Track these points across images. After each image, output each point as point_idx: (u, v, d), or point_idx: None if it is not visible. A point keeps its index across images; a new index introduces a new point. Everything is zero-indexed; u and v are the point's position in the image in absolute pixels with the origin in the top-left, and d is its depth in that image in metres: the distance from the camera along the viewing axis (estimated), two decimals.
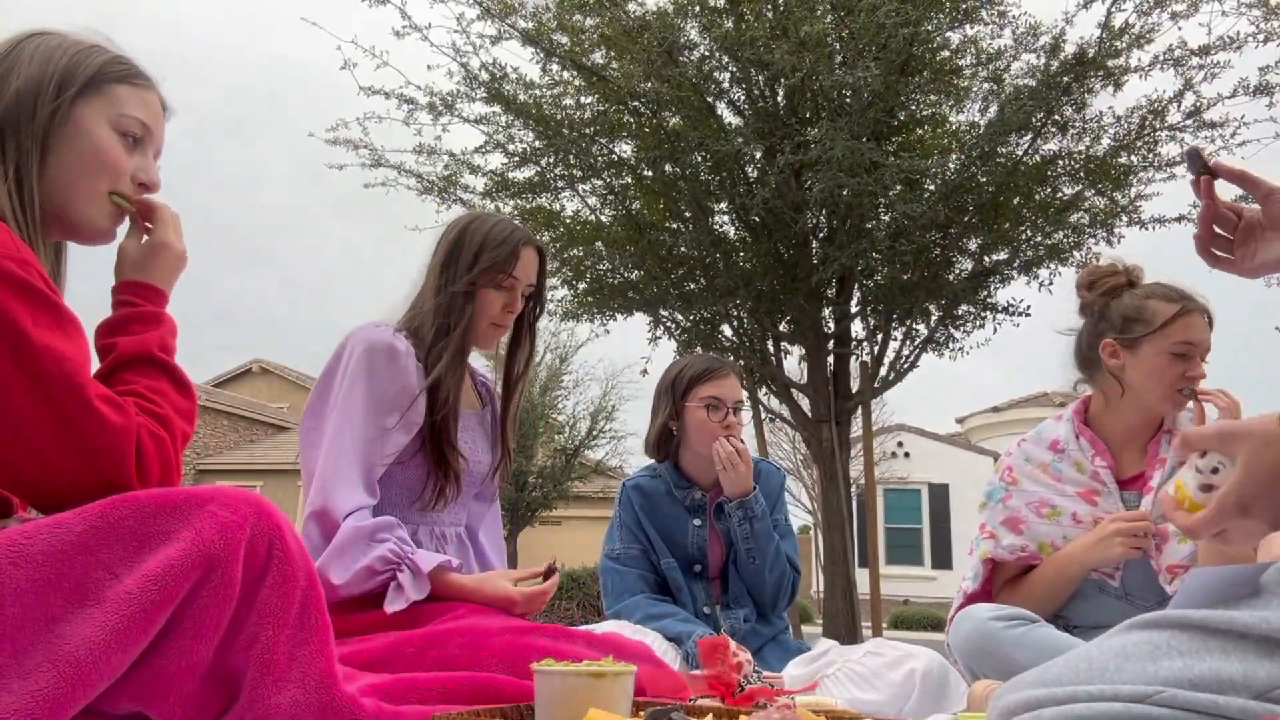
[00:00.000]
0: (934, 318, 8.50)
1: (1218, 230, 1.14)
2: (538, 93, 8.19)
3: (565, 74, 8.21)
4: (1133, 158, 7.63)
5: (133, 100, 1.15)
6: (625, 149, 8.46)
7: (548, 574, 1.62)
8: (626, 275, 8.64)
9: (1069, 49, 7.17)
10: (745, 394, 2.24)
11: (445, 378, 1.62)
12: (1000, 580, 1.93)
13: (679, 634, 1.94)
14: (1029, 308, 8.17)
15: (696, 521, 2.19)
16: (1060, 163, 7.72)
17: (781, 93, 8.05)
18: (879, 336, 8.63)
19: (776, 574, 2.12)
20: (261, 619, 0.95)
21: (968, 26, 7.88)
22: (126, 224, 1.20)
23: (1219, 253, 1.15)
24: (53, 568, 0.86)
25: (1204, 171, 1.11)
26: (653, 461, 2.30)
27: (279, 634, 0.96)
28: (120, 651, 0.86)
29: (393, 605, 1.44)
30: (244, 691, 0.95)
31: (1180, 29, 7.01)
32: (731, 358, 8.78)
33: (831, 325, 8.62)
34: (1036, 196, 7.85)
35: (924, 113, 8.47)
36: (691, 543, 2.18)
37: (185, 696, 0.93)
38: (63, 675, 0.82)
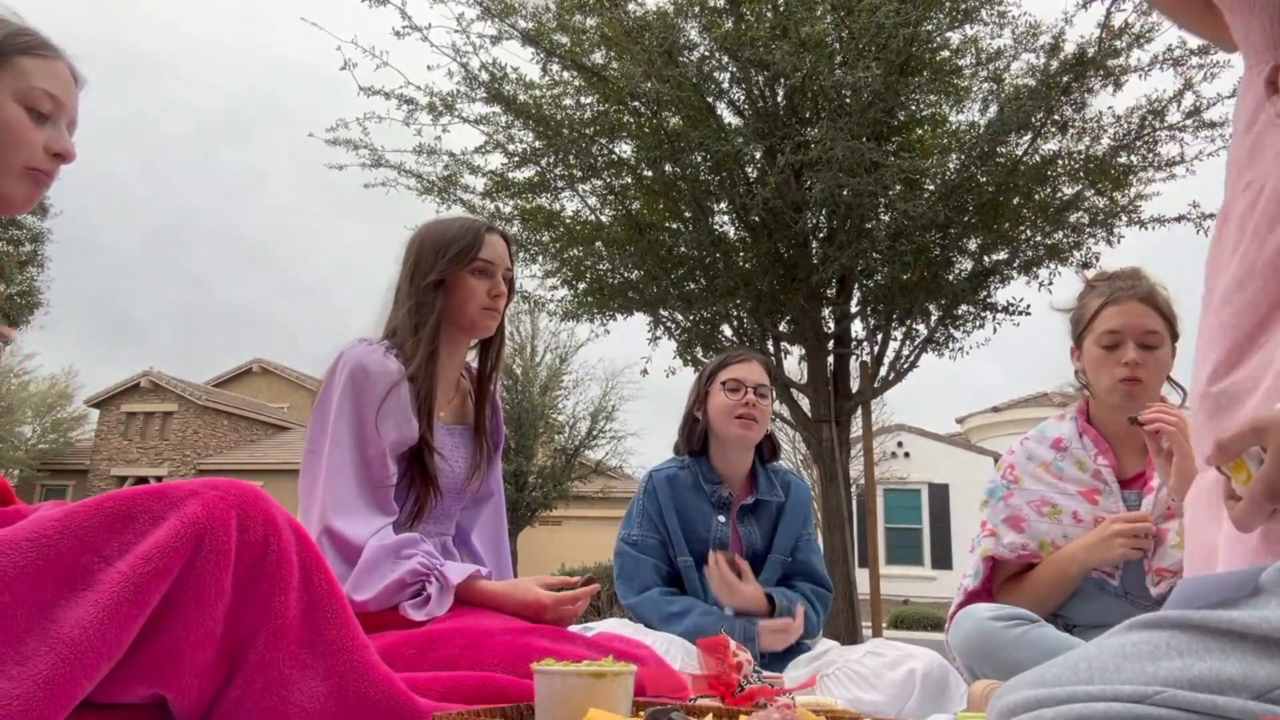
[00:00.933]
0: (934, 318, 8.50)
1: None
2: (538, 93, 8.19)
3: (565, 74, 8.21)
4: (1132, 157, 7.64)
5: (40, 72, 1.13)
6: (625, 149, 8.46)
7: (585, 584, 1.61)
8: (626, 275, 8.64)
9: (1069, 49, 7.18)
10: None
11: (418, 373, 1.61)
12: (1001, 578, 1.93)
13: (703, 627, 1.92)
14: (1029, 307, 8.19)
15: (721, 518, 2.15)
16: (1060, 163, 7.72)
17: (781, 93, 8.05)
18: (879, 336, 8.63)
19: (813, 627, 2.11)
20: (270, 588, 0.97)
21: (968, 26, 7.89)
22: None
23: None
24: (41, 554, 0.87)
25: None
26: (673, 456, 2.28)
27: (287, 598, 0.98)
28: (116, 629, 0.86)
29: (415, 614, 1.45)
30: (253, 656, 0.97)
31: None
32: (734, 349, 8.78)
33: (831, 325, 8.63)
34: (1036, 196, 7.86)
35: (924, 113, 8.48)
36: (713, 538, 2.14)
37: (199, 671, 0.94)
38: (61, 658, 0.83)
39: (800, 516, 2.22)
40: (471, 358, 1.86)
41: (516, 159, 8.40)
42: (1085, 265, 8.00)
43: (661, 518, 2.15)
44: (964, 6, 7.58)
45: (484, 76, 7.89)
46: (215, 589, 0.93)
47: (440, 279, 1.67)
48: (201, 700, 0.96)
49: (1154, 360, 1.79)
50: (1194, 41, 7.00)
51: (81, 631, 0.84)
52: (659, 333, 8.85)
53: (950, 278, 8.13)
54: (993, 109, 7.75)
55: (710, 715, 1.05)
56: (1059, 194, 7.90)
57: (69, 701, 0.84)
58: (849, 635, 7.68)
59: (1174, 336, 1.84)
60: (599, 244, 8.58)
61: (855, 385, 8.73)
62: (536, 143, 8.25)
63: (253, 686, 0.97)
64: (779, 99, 8.10)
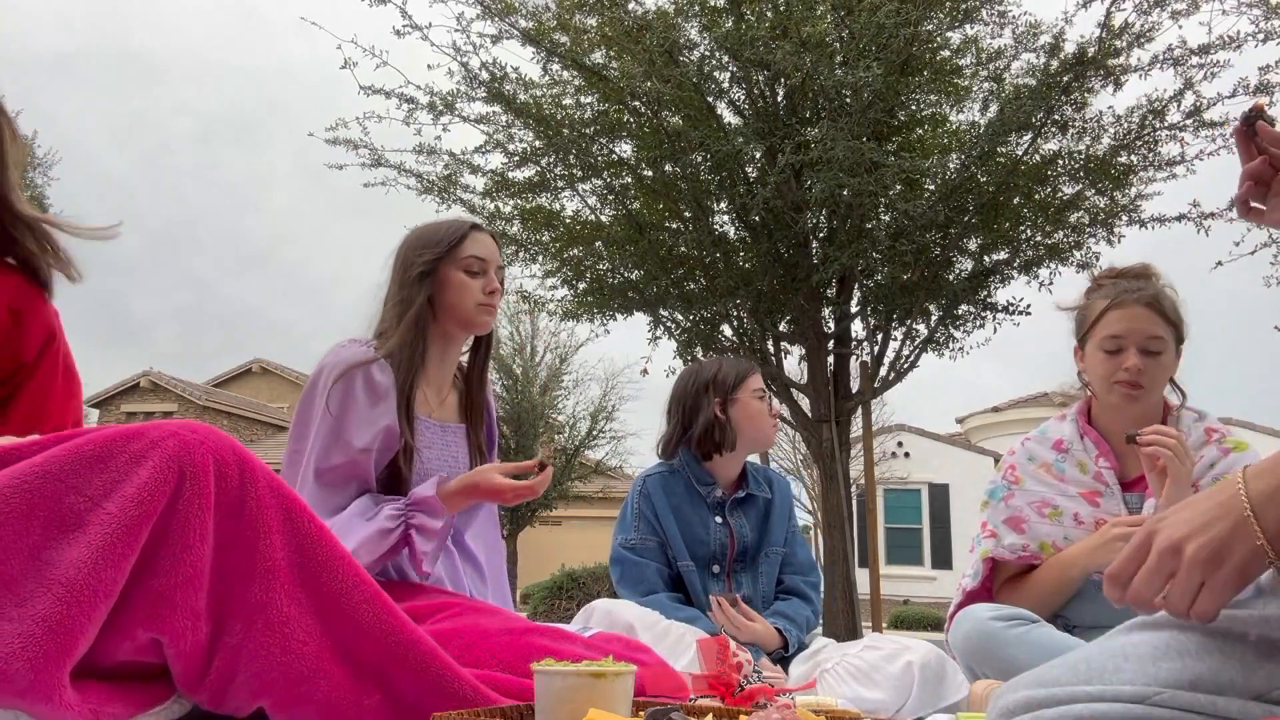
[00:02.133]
0: (934, 318, 8.50)
1: (1254, 183, 1.11)
2: (538, 92, 8.19)
3: (565, 74, 8.21)
4: (1133, 157, 7.63)
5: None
6: (625, 149, 8.46)
7: (540, 468, 1.62)
8: (626, 275, 8.64)
9: (1069, 48, 7.18)
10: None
11: (398, 362, 1.61)
12: (1001, 579, 1.93)
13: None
14: (1029, 307, 8.18)
15: (718, 519, 2.20)
16: (1060, 162, 7.72)
17: (782, 93, 8.05)
18: (879, 336, 8.63)
19: (811, 622, 2.17)
20: (255, 531, 0.99)
21: (968, 26, 7.88)
22: None
23: (1253, 203, 1.10)
24: (24, 500, 0.88)
25: (1248, 127, 1.11)
26: (660, 460, 2.31)
27: (271, 540, 0.99)
28: (110, 568, 0.87)
29: (430, 560, 1.48)
30: (251, 597, 0.98)
31: (1180, 27, 7.03)
32: (732, 357, 8.80)
33: (831, 325, 8.62)
34: (1036, 196, 7.85)
35: (924, 113, 8.47)
36: (714, 540, 2.18)
37: (191, 613, 0.95)
38: (59, 598, 0.84)
39: (787, 510, 2.32)
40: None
41: (516, 159, 8.40)
42: (1084, 266, 8.00)
43: (658, 520, 2.17)
44: (964, 6, 7.58)
45: (484, 76, 7.88)
46: (199, 528, 0.94)
47: (425, 270, 1.67)
48: (197, 647, 0.96)
49: (1156, 365, 1.79)
50: (1194, 41, 7.00)
51: (77, 571, 0.85)
52: (659, 333, 8.85)
53: (950, 278, 8.12)
54: (993, 109, 7.74)
55: (710, 715, 1.05)
56: (1059, 194, 7.89)
57: (72, 642, 0.85)
58: (849, 635, 7.68)
59: (1179, 340, 1.83)
60: (599, 244, 8.58)
61: (855, 385, 8.73)
62: (536, 142, 8.24)
63: (254, 627, 0.98)
64: (779, 99, 8.10)
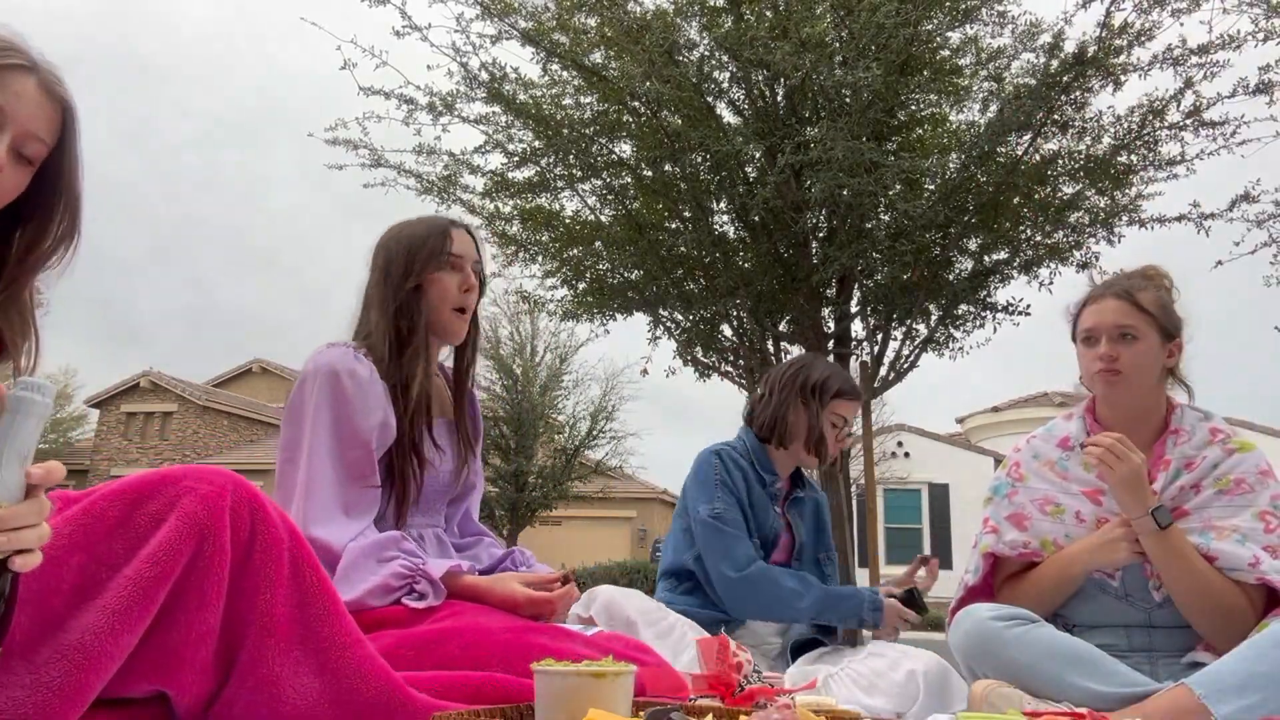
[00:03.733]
0: (934, 318, 8.50)
1: None
2: (538, 93, 8.19)
3: (565, 74, 8.21)
4: (1133, 157, 7.63)
5: None
6: (625, 149, 8.46)
7: (563, 581, 1.60)
8: (626, 275, 8.64)
9: (1069, 48, 7.18)
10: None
11: (412, 383, 1.60)
12: (1002, 575, 1.93)
13: (855, 597, 2.07)
14: (1029, 307, 8.18)
15: (776, 509, 2.27)
16: (1060, 162, 7.72)
17: (781, 93, 8.05)
18: (879, 336, 8.63)
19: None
20: (256, 583, 0.99)
21: (968, 26, 7.88)
22: None
23: None
24: (50, 574, 0.88)
25: None
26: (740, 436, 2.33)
27: (274, 594, 0.99)
28: (126, 633, 0.88)
29: (413, 604, 1.45)
30: (244, 654, 0.98)
31: (1182, 24, 7.01)
32: (731, 357, 8.82)
33: (831, 325, 8.62)
34: (1036, 196, 7.85)
35: (924, 113, 8.47)
36: (770, 527, 2.22)
37: (199, 668, 0.95)
38: (74, 664, 0.85)
39: (829, 521, 2.40)
40: (446, 354, 1.84)
41: (516, 159, 8.40)
42: (1084, 266, 8.00)
43: (740, 492, 2.17)
44: (964, 6, 7.57)
45: (484, 76, 7.88)
46: (216, 588, 0.95)
47: (419, 283, 1.64)
48: (200, 698, 0.97)
49: (1131, 352, 1.81)
50: (1194, 40, 7.00)
51: (92, 638, 0.86)
52: (659, 333, 8.85)
53: (950, 278, 8.12)
54: (993, 109, 7.74)
55: (710, 715, 1.05)
56: (1059, 194, 7.89)
57: (81, 704, 0.86)
58: (849, 635, 7.68)
59: (1165, 331, 1.84)
60: (599, 244, 8.58)
61: None
62: (536, 143, 8.24)
63: (245, 685, 0.98)
64: (779, 99, 8.10)
